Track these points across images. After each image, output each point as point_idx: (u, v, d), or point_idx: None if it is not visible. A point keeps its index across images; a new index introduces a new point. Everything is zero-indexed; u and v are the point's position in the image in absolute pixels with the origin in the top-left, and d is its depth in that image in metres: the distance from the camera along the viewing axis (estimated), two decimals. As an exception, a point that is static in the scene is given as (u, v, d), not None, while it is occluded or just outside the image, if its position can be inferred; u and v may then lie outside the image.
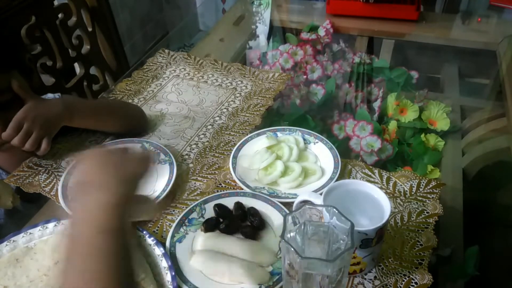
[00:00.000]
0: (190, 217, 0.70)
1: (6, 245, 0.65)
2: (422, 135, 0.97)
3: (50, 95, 0.90)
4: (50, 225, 0.68)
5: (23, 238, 0.66)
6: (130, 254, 0.45)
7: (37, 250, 0.65)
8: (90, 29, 1.36)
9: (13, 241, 0.66)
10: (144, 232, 0.66)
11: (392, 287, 0.60)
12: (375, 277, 0.62)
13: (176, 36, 1.84)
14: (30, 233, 0.67)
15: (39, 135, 0.74)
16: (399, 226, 0.68)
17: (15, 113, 0.73)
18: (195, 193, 0.76)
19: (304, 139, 0.85)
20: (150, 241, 0.64)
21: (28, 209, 0.82)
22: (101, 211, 0.44)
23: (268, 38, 1.38)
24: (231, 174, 0.77)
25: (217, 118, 0.94)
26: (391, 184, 0.76)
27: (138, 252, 0.62)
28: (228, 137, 0.89)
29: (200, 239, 0.66)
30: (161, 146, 0.83)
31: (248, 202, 0.72)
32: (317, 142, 0.85)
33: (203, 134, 0.90)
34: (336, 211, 0.49)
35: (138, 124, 0.91)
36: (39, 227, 0.67)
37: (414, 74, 1.15)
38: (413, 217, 0.69)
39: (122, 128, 0.88)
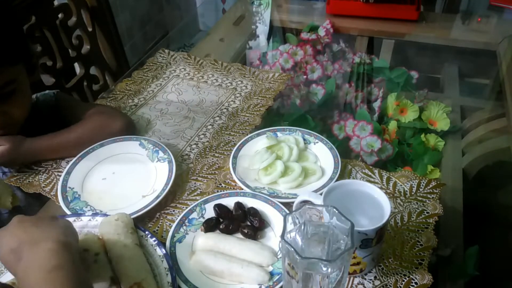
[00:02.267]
0: (190, 217, 0.70)
1: None
2: (422, 135, 0.97)
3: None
4: None
5: None
6: (85, 283, 0.48)
7: None
8: (90, 29, 1.36)
9: None
10: (146, 232, 0.66)
11: (392, 287, 0.60)
12: (375, 277, 0.62)
13: (176, 36, 1.84)
14: None
15: None
16: (399, 226, 0.68)
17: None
18: (195, 193, 0.76)
19: (304, 139, 0.85)
20: (152, 241, 0.64)
21: (28, 208, 0.82)
22: (46, 254, 0.46)
23: (268, 38, 1.38)
24: (231, 174, 0.77)
25: (217, 118, 0.94)
26: (391, 184, 0.76)
27: (140, 251, 0.61)
28: (228, 137, 0.89)
29: (200, 239, 0.66)
30: (159, 144, 0.83)
31: (248, 202, 0.72)
32: (317, 142, 0.85)
33: (203, 134, 0.90)
34: (336, 211, 0.49)
35: (122, 135, 0.87)
36: None
37: (414, 74, 1.15)
38: (413, 217, 0.69)
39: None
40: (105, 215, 0.68)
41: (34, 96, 0.90)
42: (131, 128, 0.90)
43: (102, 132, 0.85)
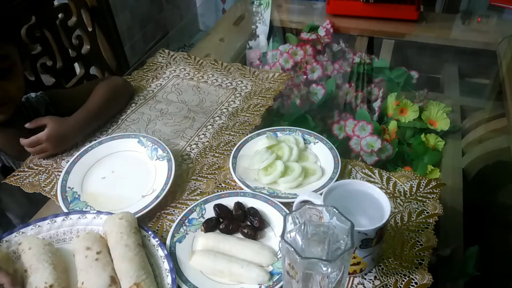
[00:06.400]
0: (190, 217, 0.70)
1: (15, 236, 0.66)
2: (422, 135, 0.97)
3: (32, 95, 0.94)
4: (59, 219, 0.68)
5: (32, 230, 0.66)
6: None
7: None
8: (90, 29, 1.36)
9: (22, 232, 0.66)
10: (149, 233, 0.66)
11: (392, 287, 0.60)
12: (375, 277, 0.62)
13: (176, 36, 1.84)
14: (39, 226, 0.67)
15: (51, 154, 0.84)
16: (399, 226, 0.68)
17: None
18: (195, 193, 0.76)
19: (304, 139, 0.85)
20: (154, 241, 0.64)
21: (28, 209, 0.82)
22: None
23: (268, 38, 1.38)
24: (231, 174, 0.77)
25: (217, 118, 0.94)
26: (391, 184, 0.76)
27: (142, 251, 0.61)
28: (228, 137, 0.89)
29: (200, 239, 0.66)
30: (158, 141, 0.83)
31: (248, 202, 0.72)
32: (317, 142, 0.85)
33: (203, 134, 0.90)
34: (336, 211, 0.49)
35: (128, 97, 1.00)
36: (47, 221, 0.68)
37: (414, 74, 1.15)
38: (413, 217, 0.69)
39: (116, 111, 0.96)
40: (110, 213, 0.68)
41: (25, 97, 0.92)
42: (128, 86, 1.01)
43: (116, 93, 0.95)
